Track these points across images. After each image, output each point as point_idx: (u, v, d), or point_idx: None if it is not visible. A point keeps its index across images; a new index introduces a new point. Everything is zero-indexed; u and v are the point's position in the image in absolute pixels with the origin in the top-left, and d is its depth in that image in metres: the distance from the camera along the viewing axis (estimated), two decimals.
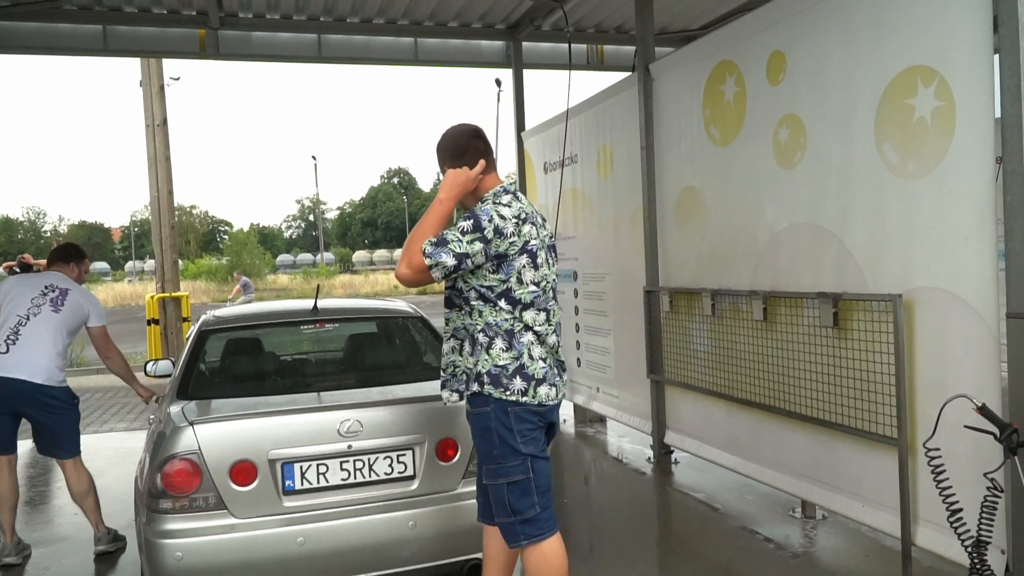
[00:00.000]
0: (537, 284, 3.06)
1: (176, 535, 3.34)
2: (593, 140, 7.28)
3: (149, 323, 11.65)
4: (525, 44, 9.10)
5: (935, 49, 3.61)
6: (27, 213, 77.54)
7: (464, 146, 3.16)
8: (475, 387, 3.05)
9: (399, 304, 5.06)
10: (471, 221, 2.96)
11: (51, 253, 5.06)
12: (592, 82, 8.47)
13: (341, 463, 3.54)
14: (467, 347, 3.11)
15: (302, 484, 3.50)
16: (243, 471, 3.43)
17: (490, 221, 2.95)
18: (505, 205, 3.04)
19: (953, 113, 3.53)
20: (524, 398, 3.00)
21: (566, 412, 8.27)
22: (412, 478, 3.64)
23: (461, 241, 2.91)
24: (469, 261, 2.93)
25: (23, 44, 8.08)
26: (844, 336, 4.23)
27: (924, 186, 3.72)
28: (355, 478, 3.56)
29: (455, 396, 3.19)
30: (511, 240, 2.98)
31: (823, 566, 4.32)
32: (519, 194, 3.18)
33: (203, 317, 4.70)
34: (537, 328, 3.06)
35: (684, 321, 5.85)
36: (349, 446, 3.54)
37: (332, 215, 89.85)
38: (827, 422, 4.37)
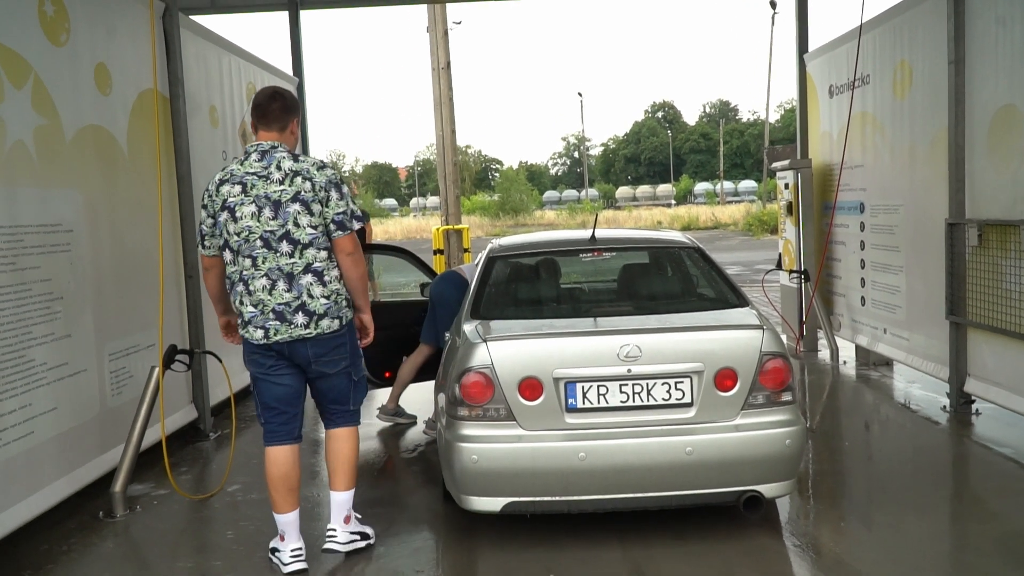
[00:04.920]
0: (238, 235, 3.54)
1: (472, 440, 3.70)
2: (888, 57, 6.62)
3: (435, 253, 12.65)
4: None
5: None
6: (329, 155, 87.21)
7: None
8: None
9: (675, 235, 5.07)
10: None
11: None
12: None
13: (620, 386, 3.68)
14: None
15: (583, 403, 3.69)
16: (530, 387, 3.69)
17: (206, 190, 3.63)
18: (220, 171, 3.64)
19: None
20: (245, 334, 3.62)
21: (846, 354, 7.79)
22: (689, 405, 3.69)
23: (202, 217, 3.68)
24: (204, 227, 3.65)
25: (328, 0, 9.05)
26: None
27: None
28: (633, 401, 3.68)
29: None
30: (213, 199, 3.59)
31: None
32: (249, 154, 3.60)
33: (490, 245, 5.05)
34: (244, 274, 3.56)
35: (996, 257, 5.22)
36: (628, 370, 3.65)
37: (596, 151, 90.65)
38: None
